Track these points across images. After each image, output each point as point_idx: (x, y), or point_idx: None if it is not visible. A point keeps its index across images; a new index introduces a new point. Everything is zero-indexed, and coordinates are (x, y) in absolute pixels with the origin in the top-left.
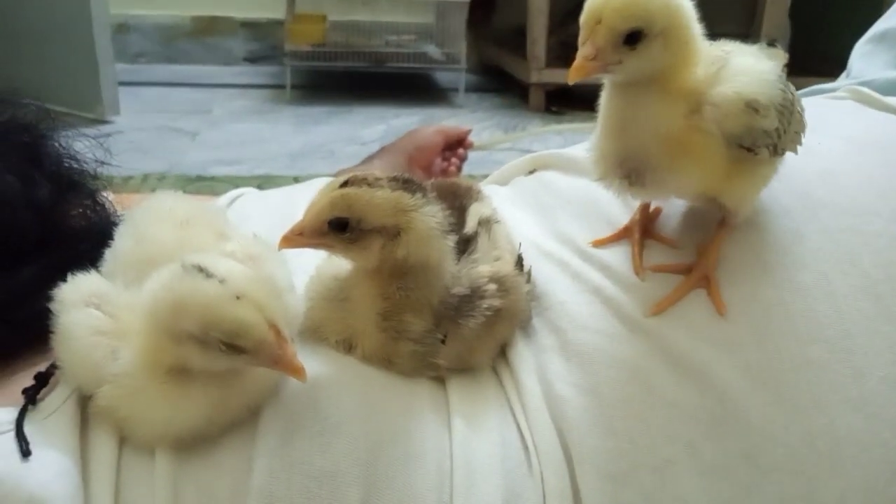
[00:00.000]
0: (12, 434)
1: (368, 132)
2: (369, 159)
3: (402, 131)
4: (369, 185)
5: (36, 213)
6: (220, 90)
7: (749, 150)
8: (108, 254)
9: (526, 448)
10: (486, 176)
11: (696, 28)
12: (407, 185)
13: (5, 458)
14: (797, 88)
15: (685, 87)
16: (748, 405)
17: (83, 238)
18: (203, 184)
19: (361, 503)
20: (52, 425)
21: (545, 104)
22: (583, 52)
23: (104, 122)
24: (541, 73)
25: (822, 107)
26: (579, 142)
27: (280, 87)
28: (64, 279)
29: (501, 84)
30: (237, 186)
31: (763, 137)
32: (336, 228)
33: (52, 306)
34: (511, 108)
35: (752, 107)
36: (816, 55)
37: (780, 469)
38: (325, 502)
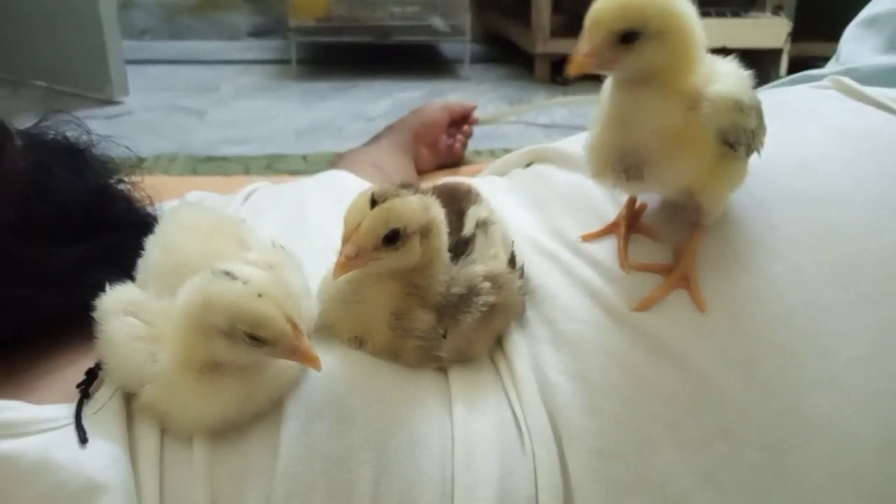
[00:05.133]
0: (70, 427)
1: (374, 108)
2: (376, 138)
3: (408, 106)
4: (397, 195)
5: (89, 200)
6: (226, 66)
7: (731, 146)
8: (140, 264)
9: (520, 429)
10: (491, 151)
11: (698, 36)
12: (412, 187)
13: (67, 448)
14: (803, 54)
15: (684, 87)
16: (724, 386)
17: (124, 228)
18: (214, 164)
19: (374, 482)
20: (102, 418)
21: (550, 74)
22: (581, 49)
23: (114, 102)
24: (546, 44)
25: (807, 97)
26: (584, 114)
27: (285, 62)
28: (107, 262)
29: (507, 55)
30: (247, 166)
31: (744, 135)
32: (388, 241)
33: (95, 315)
34: (516, 78)
35: (738, 106)
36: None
37: (753, 444)
38: (341, 482)
